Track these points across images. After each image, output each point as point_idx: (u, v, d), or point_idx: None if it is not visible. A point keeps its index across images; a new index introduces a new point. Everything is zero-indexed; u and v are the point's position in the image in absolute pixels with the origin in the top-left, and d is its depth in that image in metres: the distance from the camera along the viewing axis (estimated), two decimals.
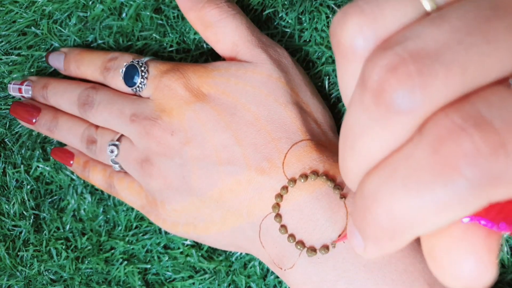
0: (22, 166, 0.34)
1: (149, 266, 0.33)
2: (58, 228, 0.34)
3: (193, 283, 0.32)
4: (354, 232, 0.14)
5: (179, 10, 0.32)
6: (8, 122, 0.34)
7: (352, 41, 0.13)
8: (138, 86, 0.29)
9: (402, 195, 0.12)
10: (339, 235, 0.24)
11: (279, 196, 0.25)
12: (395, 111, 0.11)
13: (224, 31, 0.28)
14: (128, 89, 0.30)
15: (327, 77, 0.30)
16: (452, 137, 0.11)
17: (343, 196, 0.25)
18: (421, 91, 0.11)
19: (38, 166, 0.34)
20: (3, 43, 0.34)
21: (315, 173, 0.25)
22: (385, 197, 0.12)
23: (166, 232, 0.32)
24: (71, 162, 0.33)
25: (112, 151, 0.30)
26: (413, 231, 0.12)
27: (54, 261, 0.34)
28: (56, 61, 0.33)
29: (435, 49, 0.11)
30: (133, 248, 0.33)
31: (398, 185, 0.12)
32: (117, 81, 0.30)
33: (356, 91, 0.13)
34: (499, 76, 0.11)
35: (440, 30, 0.11)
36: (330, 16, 0.30)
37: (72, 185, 0.34)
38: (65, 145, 0.34)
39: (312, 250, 0.24)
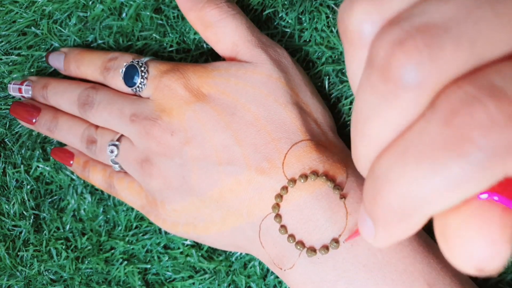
0: (22, 166, 0.34)
1: (149, 266, 0.33)
2: (58, 228, 0.34)
3: (193, 283, 0.32)
4: (365, 219, 0.14)
5: (179, 10, 0.32)
6: (8, 122, 0.34)
7: (359, 26, 0.12)
8: (138, 86, 0.29)
9: (414, 173, 0.11)
10: (350, 234, 0.24)
11: (279, 196, 0.25)
12: (403, 87, 0.11)
13: (224, 31, 0.28)
14: (128, 89, 0.30)
15: (327, 77, 0.30)
16: (465, 108, 0.11)
17: (343, 197, 0.25)
18: (429, 63, 0.11)
19: (38, 166, 0.34)
20: (3, 43, 0.34)
21: (315, 173, 0.25)
22: (397, 176, 0.12)
23: (166, 232, 0.32)
24: (71, 162, 0.33)
25: (112, 151, 0.30)
26: (425, 211, 0.12)
27: (54, 261, 0.34)
28: (56, 61, 0.33)
29: (443, 23, 0.11)
30: (133, 248, 0.33)
31: (410, 162, 0.11)
32: (117, 81, 0.30)
33: (364, 74, 0.12)
34: (510, 50, 0.11)
35: (447, 4, 0.11)
36: (330, 16, 0.30)
37: (72, 185, 0.34)
38: (65, 145, 0.34)
39: (312, 250, 0.24)
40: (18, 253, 0.34)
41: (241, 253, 0.31)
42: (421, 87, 0.11)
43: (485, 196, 0.12)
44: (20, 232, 0.34)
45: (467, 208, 0.12)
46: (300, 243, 0.25)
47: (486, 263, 0.12)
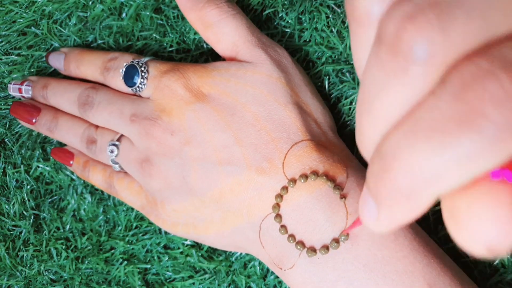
0: (22, 166, 0.34)
1: (149, 266, 0.33)
2: (58, 228, 0.34)
3: (193, 283, 0.32)
4: (366, 201, 0.13)
5: (179, 10, 0.32)
6: (8, 122, 0.34)
7: (367, 6, 0.12)
8: (138, 86, 0.29)
9: (424, 149, 0.11)
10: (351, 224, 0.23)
11: (279, 196, 0.25)
12: (414, 61, 0.11)
13: (224, 31, 0.28)
14: (128, 89, 0.30)
15: (327, 77, 0.30)
16: (478, 81, 0.10)
17: (343, 197, 0.25)
18: (441, 37, 0.11)
19: (38, 166, 0.34)
20: (3, 43, 0.34)
21: (315, 173, 0.25)
22: (406, 153, 0.11)
23: (166, 232, 0.32)
24: (71, 162, 0.33)
25: (112, 151, 0.30)
26: (434, 189, 0.11)
27: (54, 261, 0.34)
28: (56, 61, 0.33)
29: None
30: (133, 248, 0.33)
31: (420, 138, 0.11)
32: (117, 81, 0.30)
33: (372, 51, 0.12)
34: None
35: None
36: (330, 16, 0.30)
37: (72, 185, 0.34)
38: (65, 145, 0.34)
39: (312, 250, 0.24)
40: (18, 253, 0.34)
41: (241, 253, 0.31)
42: (432, 62, 0.11)
43: (497, 175, 0.11)
44: (20, 232, 0.34)
45: (476, 187, 0.11)
46: (300, 243, 0.25)
47: (497, 243, 0.11)
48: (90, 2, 0.32)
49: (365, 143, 0.13)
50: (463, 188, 0.12)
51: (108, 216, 0.33)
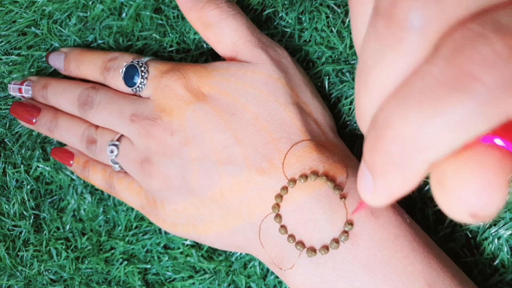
0: (22, 166, 0.34)
1: (149, 266, 0.33)
2: (58, 228, 0.34)
3: (193, 283, 0.32)
4: (364, 174, 0.13)
5: (179, 10, 0.32)
6: (8, 122, 0.34)
7: None
8: (138, 86, 0.29)
9: (415, 115, 0.11)
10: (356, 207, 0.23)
11: (279, 196, 0.25)
12: (408, 29, 0.11)
13: (224, 31, 0.28)
14: (128, 89, 0.30)
15: (327, 77, 0.30)
16: (469, 44, 0.10)
17: (343, 197, 0.25)
18: (435, 4, 0.11)
19: (38, 166, 0.34)
20: (3, 43, 0.34)
21: (315, 173, 0.25)
22: (397, 120, 0.11)
23: (166, 232, 0.32)
24: (71, 162, 0.33)
25: (112, 151, 0.30)
26: (426, 155, 0.11)
27: (54, 261, 0.34)
28: (56, 61, 0.33)
29: None
30: (133, 248, 0.33)
31: (411, 105, 0.11)
32: (117, 81, 0.30)
33: (369, 24, 0.12)
34: None
35: None
36: (330, 16, 0.30)
37: (72, 185, 0.34)
38: (65, 145, 0.34)
39: (312, 250, 0.24)
40: (18, 253, 0.34)
41: (241, 253, 0.31)
42: (427, 30, 0.11)
43: (486, 140, 0.11)
44: (20, 232, 0.34)
45: (466, 153, 0.11)
46: (300, 243, 0.25)
47: (481, 209, 0.11)
48: (90, 2, 0.32)
49: (363, 116, 0.13)
50: (453, 154, 0.12)
51: (108, 216, 0.33)
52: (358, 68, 0.13)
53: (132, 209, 0.33)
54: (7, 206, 0.34)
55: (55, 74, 0.34)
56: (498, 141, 0.11)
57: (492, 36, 0.10)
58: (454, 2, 0.11)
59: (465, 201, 0.11)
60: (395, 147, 0.11)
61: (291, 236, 0.25)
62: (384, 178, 0.12)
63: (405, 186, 0.12)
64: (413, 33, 0.11)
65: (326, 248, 0.24)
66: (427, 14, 0.11)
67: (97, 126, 0.31)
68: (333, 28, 0.30)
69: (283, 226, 0.25)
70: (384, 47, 0.12)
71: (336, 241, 0.24)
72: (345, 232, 0.24)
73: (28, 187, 0.34)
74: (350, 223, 0.24)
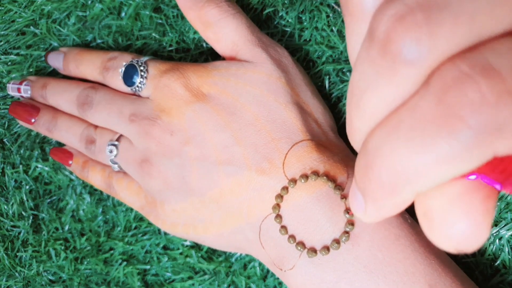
0: (21, 166, 0.34)
1: (148, 267, 0.32)
2: (57, 229, 0.34)
3: (193, 284, 0.32)
4: (355, 193, 0.14)
5: (178, 9, 0.32)
6: (7, 122, 0.34)
7: (361, 0, 0.13)
8: (138, 86, 0.29)
9: (404, 148, 0.11)
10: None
11: (280, 196, 0.25)
12: (401, 61, 0.11)
13: (224, 31, 0.28)
14: (127, 89, 0.30)
15: (327, 76, 0.30)
16: (457, 85, 0.11)
17: (344, 197, 0.25)
18: (428, 39, 0.11)
19: (37, 166, 0.34)
20: (2, 43, 0.33)
21: (316, 173, 0.25)
22: (388, 151, 0.12)
23: (165, 233, 0.32)
24: (70, 162, 0.33)
25: (111, 151, 0.30)
26: (413, 186, 0.12)
27: (53, 262, 0.33)
28: (55, 61, 0.33)
29: None
30: (132, 249, 0.33)
31: (401, 137, 0.12)
32: (116, 81, 0.30)
33: (363, 46, 0.12)
34: (509, 28, 0.11)
35: None
36: (331, 15, 0.30)
37: (71, 185, 0.34)
38: (64, 145, 0.34)
39: (313, 251, 0.24)
40: (17, 254, 0.34)
41: (241, 254, 0.31)
42: (419, 63, 0.11)
43: (473, 177, 0.12)
44: (19, 233, 0.34)
45: (451, 190, 0.12)
46: (301, 244, 0.24)
47: (465, 245, 0.12)
48: (89, 2, 0.32)
49: (354, 135, 0.14)
50: (439, 187, 0.12)
51: (107, 216, 0.33)
52: (350, 86, 0.13)
53: (131, 209, 0.33)
54: (6, 207, 0.34)
55: (54, 74, 0.34)
56: (483, 179, 0.12)
57: (479, 79, 0.10)
58: (447, 37, 0.11)
59: (452, 239, 0.12)
60: (385, 176, 0.12)
61: (292, 237, 0.25)
62: (374, 203, 0.13)
63: (395, 209, 0.13)
64: (406, 66, 0.11)
65: (326, 248, 0.24)
66: (420, 49, 0.11)
67: (96, 126, 0.31)
68: (333, 28, 0.30)
69: (283, 227, 0.25)
70: (377, 74, 0.12)
71: (337, 241, 0.24)
72: (346, 232, 0.24)
73: (27, 187, 0.34)
74: (351, 223, 0.24)
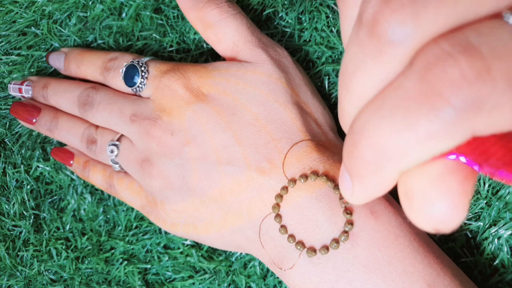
0: (22, 166, 0.34)
1: (149, 266, 0.33)
2: (58, 228, 0.34)
3: (193, 283, 0.32)
4: (344, 174, 0.14)
5: (179, 10, 0.32)
6: (8, 122, 0.34)
7: None
8: (138, 86, 0.29)
9: (387, 126, 0.12)
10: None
11: (279, 196, 0.25)
12: (387, 42, 0.11)
13: (224, 31, 0.28)
14: (128, 89, 0.30)
15: (327, 77, 0.30)
16: (439, 63, 0.11)
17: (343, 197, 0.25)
18: (412, 21, 0.11)
19: (38, 166, 0.34)
20: (3, 43, 0.34)
21: (315, 173, 0.25)
22: (371, 129, 0.12)
23: (166, 232, 0.32)
24: (71, 162, 0.33)
25: (112, 151, 0.30)
26: (396, 164, 0.12)
27: (54, 261, 0.34)
28: (57, 61, 0.33)
29: None
30: (133, 248, 0.33)
31: (384, 116, 0.12)
32: (117, 81, 0.30)
33: (353, 30, 0.13)
34: (492, 10, 0.11)
35: None
36: (330, 16, 0.30)
37: (72, 185, 0.34)
38: (65, 145, 0.34)
39: (312, 250, 0.24)
40: (18, 253, 0.34)
41: (241, 253, 0.31)
42: (404, 44, 0.11)
43: (453, 156, 0.12)
44: (20, 232, 0.34)
45: (431, 170, 0.12)
46: (300, 243, 0.25)
47: (443, 225, 0.12)
48: (90, 2, 0.32)
49: (344, 118, 0.14)
50: (420, 166, 0.12)
51: (108, 216, 0.33)
52: (341, 69, 0.14)
53: (132, 209, 0.33)
54: (7, 206, 0.34)
55: (55, 74, 0.34)
56: (462, 159, 0.12)
57: (459, 57, 0.11)
58: (431, 19, 0.11)
59: (430, 219, 0.12)
60: (369, 154, 0.12)
61: (291, 236, 0.25)
62: (360, 181, 0.13)
63: (380, 189, 0.13)
64: (392, 47, 0.12)
65: (326, 248, 0.24)
66: (405, 30, 0.11)
67: (97, 126, 0.31)
68: (333, 28, 0.30)
69: (283, 226, 0.25)
70: (365, 56, 0.12)
71: (336, 241, 0.24)
72: (345, 232, 0.24)
73: (28, 187, 0.34)
74: (350, 223, 0.24)
